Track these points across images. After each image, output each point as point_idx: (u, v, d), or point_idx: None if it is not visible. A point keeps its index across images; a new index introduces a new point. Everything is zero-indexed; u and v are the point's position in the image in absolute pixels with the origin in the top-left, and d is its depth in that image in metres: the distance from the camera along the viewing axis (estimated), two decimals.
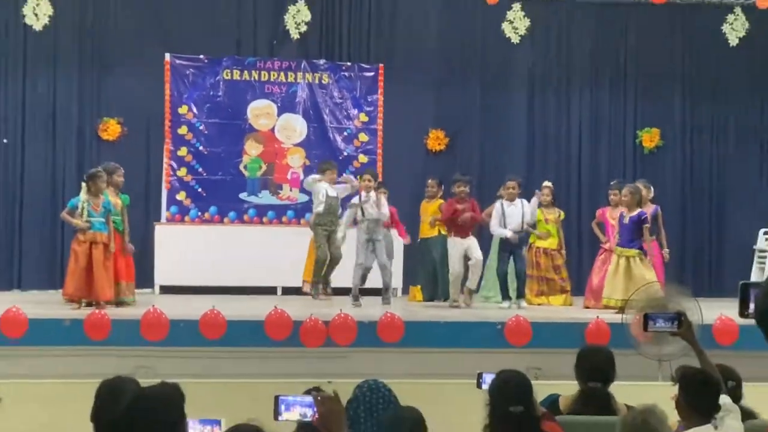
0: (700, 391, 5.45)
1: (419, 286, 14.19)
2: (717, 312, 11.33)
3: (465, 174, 14.06)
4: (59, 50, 15.55)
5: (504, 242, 13.56)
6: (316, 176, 13.70)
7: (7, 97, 15.39)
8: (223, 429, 5.00)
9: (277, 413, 4.53)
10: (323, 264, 13.39)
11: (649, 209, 13.47)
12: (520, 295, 13.57)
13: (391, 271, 13.44)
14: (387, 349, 10.90)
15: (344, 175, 14.30)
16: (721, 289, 16.26)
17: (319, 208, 13.40)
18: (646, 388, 8.07)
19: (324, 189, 13.40)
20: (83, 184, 12.23)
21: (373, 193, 13.24)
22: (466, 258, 13.19)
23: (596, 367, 6.21)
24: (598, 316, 11.39)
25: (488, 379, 6.03)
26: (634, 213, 12.98)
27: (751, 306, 5.38)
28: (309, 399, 4.43)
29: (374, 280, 13.43)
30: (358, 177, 13.72)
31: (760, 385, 7.75)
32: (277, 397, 4.55)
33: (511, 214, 13.47)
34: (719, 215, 16.94)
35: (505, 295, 13.58)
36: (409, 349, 11.01)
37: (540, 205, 14.05)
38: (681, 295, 9.77)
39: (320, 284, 13.48)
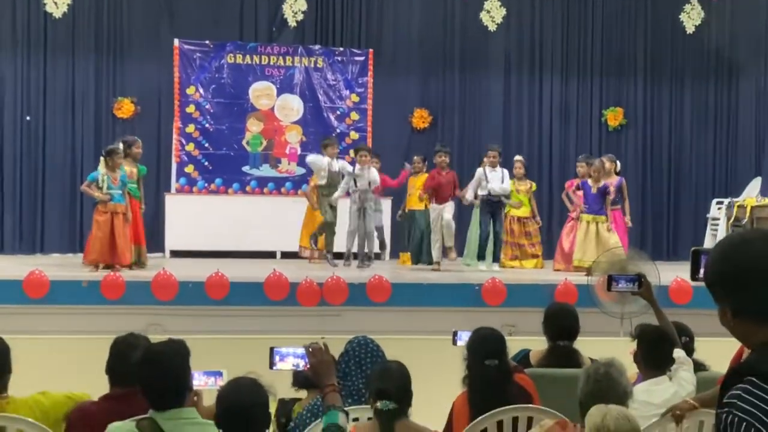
0: (656, 346, 5.46)
1: (409, 252, 14.18)
2: (673, 274, 11.36)
3: (445, 145, 14.04)
4: (77, 36, 15.45)
5: (485, 204, 13.54)
6: (319, 155, 13.62)
7: (30, 79, 15.29)
8: (225, 380, 4.99)
9: (272, 363, 4.54)
10: (331, 229, 13.31)
11: (614, 180, 13.47)
12: (496, 259, 13.57)
13: (376, 240, 13.43)
14: (376, 308, 10.92)
15: None
16: (677, 253, 16.37)
17: (321, 181, 13.34)
18: (608, 343, 8.06)
19: (326, 163, 13.34)
20: (101, 159, 12.17)
21: (368, 167, 13.21)
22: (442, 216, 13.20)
23: (563, 326, 6.22)
24: (566, 278, 11.41)
25: (463, 336, 6.02)
26: (601, 184, 13.04)
27: (701, 270, 5.39)
28: (301, 350, 4.43)
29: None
30: (356, 151, 13.66)
31: (711, 340, 7.76)
32: (272, 349, 4.55)
33: (492, 178, 13.47)
34: (676, 187, 16.96)
35: (481, 256, 13.59)
36: (396, 308, 11.03)
37: (512, 176, 14.05)
38: (641, 258, 9.82)
39: (331, 250, 13.36)
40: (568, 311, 6.42)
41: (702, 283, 2.95)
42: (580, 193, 13.54)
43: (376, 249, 13.61)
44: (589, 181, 13.15)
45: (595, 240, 12.75)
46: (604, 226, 12.90)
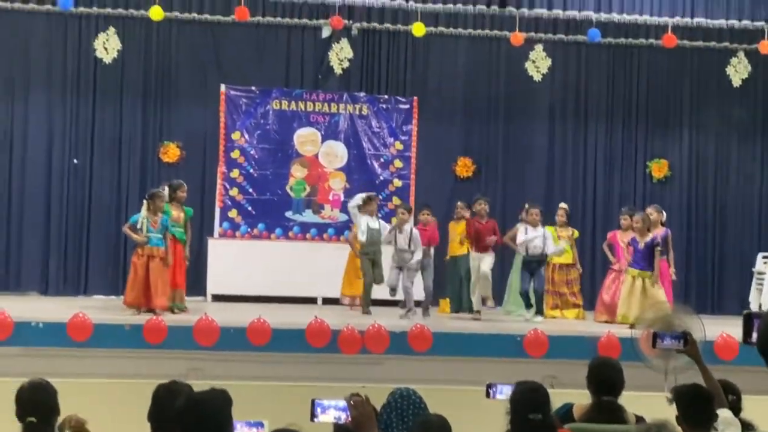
0: (695, 405, 5.37)
1: (447, 299, 14.13)
2: (719, 329, 11.21)
3: (485, 194, 14.04)
4: (126, 81, 15.62)
5: (526, 262, 13.51)
6: (357, 203, 13.63)
7: (78, 122, 15.47)
8: (266, 431, 4.96)
9: (313, 415, 4.50)
10: (370, 287, 13.28)
11: (660, 231, 13.34)
12: (538, 311, 13.49)
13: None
14: (417, 357, 10.86)
15: None
16: (722, 308, 16.20)
17: (362, 238, 13.34)
18: (652, 399, 7.96)
19: (365, 221, 13.34)
20: (144, 202, 12.25)
21: (407, 226, 13.20)
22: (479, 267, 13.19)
23: (608, 381, 6.13)
24: (609, 330, 11.31)
25: (503, 389, 5.92)
26: (648, 238, 12.90)
27: (754, 335, 5.29)
28: (342, 403, 4.40)
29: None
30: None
31: (759, 398, 7.64)
32: (313, 401, 4.52)
33: (533, 238, 13.43)
34: (721, 240, 16.77)
35: (528, 304, 13.52)
36: (437, 358, 10.96)
37: (554, 223, 14.01)
38: (686, 312, 9.67)
39: (368, 305, 13.33)
40: (613, 366, 6.33)
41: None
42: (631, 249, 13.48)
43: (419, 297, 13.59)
44: (637, 236, 13.01)
45: (640, 295, 12.57)
46: (651, 281, 12.73)
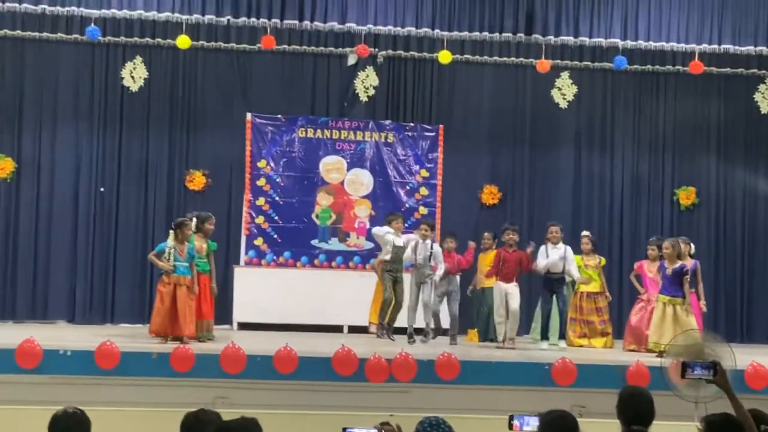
0: None
1: (476, 329, 14.13)
2: (749, 358, 11.16)
3: (514, 223, 14.05)
4: (152, 109, 15.74)
5: (547, 282, 13.50)
6: (385, 228, 13.71)
7: (105, 150, 15.59)
8: None
9: None
10: (389, 305, 13.33)
11: (689, 264, 13.26)
12: (562, 335, 13.45)
13: (433, 313, 13.42)
14: (444, 385, 10.85)
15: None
16: (752, 337, 16.16)
17: (386, 256, 13.40)
18: (683, 429, 7.94)
19: (392, 239, 13.40)
20: (171, 231, 12.30)
21: (428, 242, 13.23)
22: (507, 304, 13.18)
23: (638, 411, 6.09)
24: (638, 359, 11.26)
25: (527, 420, 5.88)
26: (676, 265, 12.83)
27: None
28: (373, 431, 4.41)
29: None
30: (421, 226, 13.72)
31: None
32: (345, 429, 4.53)
33: (552, 255, 13.41)
34: (750, 268, 16.69)
35: (544, 336, 13.49)
36: (465, 386, 10.93)
37: (581, 252, 14.00)
38: (716, 341, 9.64)
39: (385, 327, 13.38)
40: (644, 395, 6.30)
41: None
42: (651, 275, 13.47)
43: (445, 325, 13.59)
44: (666, 262, 12.95)
45: (672, 322, 12.47)
46: (683, 308, 12.65)
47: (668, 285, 12.79)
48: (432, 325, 13.39)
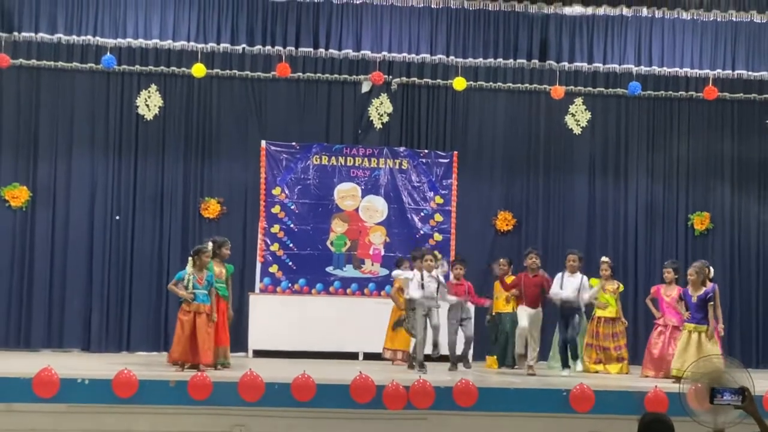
0: None
1: (495, 356, 14.14)
2: (766, 383, 11.13)
3: (536, 247, 14.07)
4: (167, 137, 15.84)
5: (560, 311, 13.49)
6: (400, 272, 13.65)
7: (120, 179, 15.68)
8: None
9: None
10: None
11: (708, 287, 13.20)
12: (574, 357, 13.43)
13: (450, 343, 13.36)
14: (462, 412, 10.83)
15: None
16: None
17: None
18: None
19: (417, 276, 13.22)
20: (190, 259, 12.34)
21: (435, 272, 13.16)
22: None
23: None
24: (656, 386, 11.25)
25: None
26: (701, 292, 12.76)
27: None
28: None
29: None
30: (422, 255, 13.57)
31: None
32: None
33: (568, 284, 13.40)
34: (765, 292, 16.69)
35: (565, 364, 13.47)
36: (483, 413, 10.90)
37: (599, 278, 14.01)
38: (735, 366, 9.62)
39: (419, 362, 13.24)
40: (665, 422, 6.31)
41: None
42: (668, 299, 13.46)
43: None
44: (690, 289, 12.91)
45: (696, 349, 12.42)
46: (707, 335, 12.60)
47: (694, 312, 12.71)
48: (448, 354, 13.35)
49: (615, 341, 14.15)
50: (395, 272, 13.99)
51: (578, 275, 13.48)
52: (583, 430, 10.63)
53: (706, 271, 13.08)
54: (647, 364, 13.71)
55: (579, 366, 13.41)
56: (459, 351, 13.60)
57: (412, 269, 13.41)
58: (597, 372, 13.80)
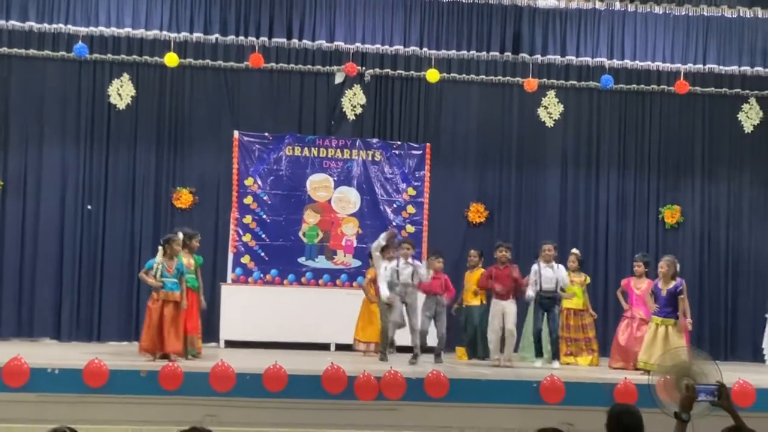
0: None
1: (464, 348, 14.19)
2: (733, 375, 11.24)
3: (507, 241, 14.12)
4: (140, 127, 15.77)
5: (539, 302, 13.53)
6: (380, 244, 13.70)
7: (92, 168, 15.62)
8: None
9: None
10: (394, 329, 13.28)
11: (677, 281, 13.30)
12: (555, 356, 13.50)
13: (421, 332, 13.34)
14: (433, 403, 10.89)
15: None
16: (736, 354, 16.25)
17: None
18: None
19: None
20: (160, 248, 12.34)
21: (410, 260, 13.22)
22: (503, 322, 13.21)
23: (628, 428, 6.17)
24: (626, 378, 11.34)
25: None
26: (671, 286, 12.89)
27: None
28: None
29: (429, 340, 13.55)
30: (399, 244, 13.65)
31: None
32: None
33: (546, 275, 13.46)
34: (734, 286, 16.79)
35: (539, 353, 13.52)
36: (454, 404, 10.98)
37: (567, 269, 14.07)
38: (703, 359, 9.71)
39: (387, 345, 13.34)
40: (633, 413, 6.37)
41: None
42: (638, 292, 13.58)
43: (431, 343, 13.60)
44: (660, 283, 13.02)
45: (662, 342, 12.54)
46: (675, 329, 12.72)
47: (663, 306, 12.86)
48: (419, 346, 13.38)
49: (584, 333, 14.24)
50: (375, 245, 13.96)
51: (554, 264, 13.54)
52: (553, 422, 10.64)
53: (677, 265, 13.20)
54: (615, 354, 13.83)
55: (556, 364, 13.39)
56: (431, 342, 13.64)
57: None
58: (567, 364, 13.86)
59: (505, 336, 13.17)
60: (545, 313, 13.47)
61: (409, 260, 13.21)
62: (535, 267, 13.56)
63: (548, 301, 13.48)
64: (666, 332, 12.71)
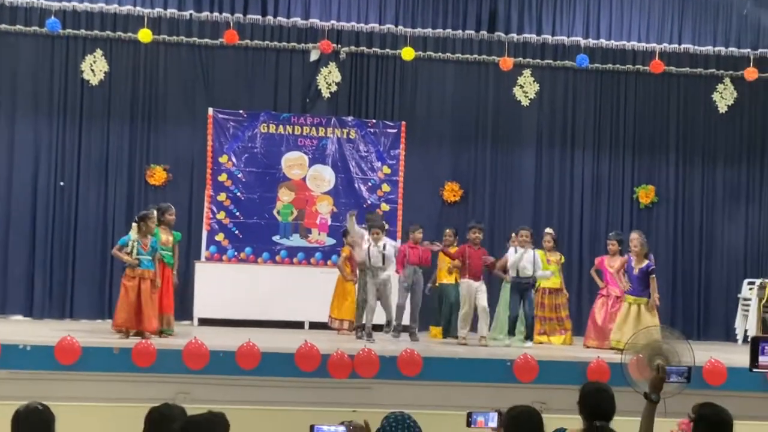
0: (715, 428, 5.48)
1: (440, 327, 14.19)
2: (706, 355, 11.30)
3: (480, 222, 14.12)
4: (113, 103, 15.67)
5: (515, 286, 13.54)
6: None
7: (65, 145, 15.52)
8: None
9: None
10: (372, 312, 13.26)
11: (649, 260, 13.34)
12: (529, 336, 13.51)
13: (394, 308, 13.42)
14: (407, 381, 10.91)
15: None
16: (709, 333, 16.34)
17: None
18: None
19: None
20: (134, 224, 12.27)
21: (381, 244, 13.20)
22: (476, 302, 13.24)
23: (600, 406, 6.18)
24: (599, 356, 11.38)
25: (491, 417, 5.90)
26: (643, 264, 12.94)
27: (761, 359, 5.33)
28: (342, 428, 4.42)
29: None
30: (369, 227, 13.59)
31: (746, 423, 7.72)
32: (312, 427, 4.53)
33: (524, 259, 13.46)
34: (707, 266, 16.88)
35: (511, 332, 13.54)
36: (427, 382, 11.00)
37: (542, 248, 14.09)
38: (675, 338, 9.74)
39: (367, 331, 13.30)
40: (605, 391, 6.39)
41: (739, 363, 2.96)
42: (612, 270, 13.61)
43: (405, 321, 13.61)
44: (633, 261, 13.06)
45: (635, 322, 12.57)
46: (647, 307, 12.78)
47: (635, 284, 12.92)
48: (395, 321, 13.41)
49: (558, 312, 14.27)
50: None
51: (530, 250, 13.55)
52: (526, 400, 10.69)
53: (646, 242, 13.27)
54: (590, 333, 13.86)
55: (529, 343, 13.42)
56: (406, 320, 13.66)
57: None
58: (541, 343, 13.90)
59: (479, 314, 13.19)
60: (521, 298, 13.47)
61: (380, 243, 13.18)
62: (511, 251, 13.58)
63: (525, 285, 13.50)
64: (638, 311, 12.78)
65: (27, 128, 15.47)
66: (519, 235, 13.68)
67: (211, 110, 15.61)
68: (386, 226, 14.05)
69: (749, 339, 5.62)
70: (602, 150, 16.83)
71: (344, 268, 13.95)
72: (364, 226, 13.71)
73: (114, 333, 12.06)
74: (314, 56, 15.99)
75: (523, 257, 13.45)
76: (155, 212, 12.49)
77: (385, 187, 15.88)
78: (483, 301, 13.22)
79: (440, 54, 16.22)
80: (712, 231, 16.95)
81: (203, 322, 14.82)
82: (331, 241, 15.53)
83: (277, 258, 15.58)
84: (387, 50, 16.06)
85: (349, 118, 15.97)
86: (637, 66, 16.45)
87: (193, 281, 15.03)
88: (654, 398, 6.20)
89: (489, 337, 13.64)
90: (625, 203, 16.82)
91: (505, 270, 13.69)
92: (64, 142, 15.52)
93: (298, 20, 14.78)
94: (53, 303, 15.30)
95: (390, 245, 13.45)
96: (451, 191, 16.34)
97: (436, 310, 14.25)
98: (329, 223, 15.64)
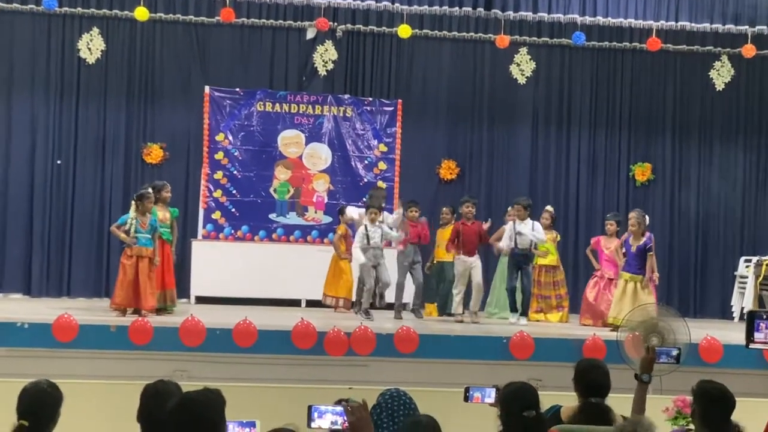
0: (717, 407, 5.46)
1: (435, 303, 14.18)
2: (702, 332, 11.30)
3: (473, 196, 14.09)
4: (109, 82, 15.62)
5: (513, 259, 13.52)
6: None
7: (62, 123, 15.47)
8: (259, 430, 4.96)
9: (310, 420, 4.49)
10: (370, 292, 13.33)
11: (646, 237, 13.33)
12: (524, 312, 13.51)
13: (397, 285, 13.46)
14: (403, 359, 10.91)
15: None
16: (705, 311, 16.35)
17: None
18: None
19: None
20: (132, 203, 12.25)
21: (377, 224, 13.23)
22: (470, 277, 13.25)
23: (596, 383, 6.16)
24: (594, 333, 11.39)
25: (488, 392, 5.90)
26: (640, 242, 12.92)
27: (757, 336, 5.29)
28: (339, 408, 4.39)
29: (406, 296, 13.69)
30: (367, 208, 13.61)
31: (742, 400, 7.70)
32: (310, 407, 4.50)
33: (522, 232, 13.43)
34: (704, 244, 16.88)
35: (513, 308, 13.53)
36: (423, 360, 11.01)
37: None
38: (671, 315, 9.74)
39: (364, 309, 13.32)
40: (600, 367, 6.37)
41: (735, 340, 2.94)
42: (607, 252, 13.62)
43: (407, 300, 13.64)
44: (630, 239, 13.04)
45: (631, 299, 12.58)
46: (643, 285, 12.77)
47: (632, 261, 12.91)
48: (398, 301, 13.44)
49: (555, 290, 14.27)
50: (348, 209, 14.01)
51: (528, 221, 13.50)
52: (522, 377, 10.70)
53: (646, 220, 13.25)
54: (585, 312, 13.88)
55: (524, 320, 13.41)
56: (407, 299, 13.67)
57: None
58: (538, 321, 13.90)
59: (473, 288, 13.19)
60: (519, 271, 13.45)
61: (377, 223, 13.18)
62: (510, 224, 13.55)
63: (523, 258, 13.48)
64: (635, 288, 12.78)
65: (24, 107, 15.41)
66: (515, 209, 13.62)
67: (207, 88, 15.55)
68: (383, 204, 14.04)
69: (745, 315, 5.57)
70: (599, 128, 16.80)
71: (339, 245, 13.95)
72: (361, 204, 13.72)
73: (111, 311, 12.05)
74: (311, 34, 15.93)
75: (522, 229, 13.37)
76: (151, 191, 12.47)
77: (382, 165, 15.84)
78: (478, 276, 13.22)
79: (437, 32, 16.18)
80: (708, 209, 16.93)
81: (200, 299, 14.82)
82: (328, 219, 15.50)
83: (274, 236, 15.56)
84: (383, 28, 16.00)
85: (346, 96, 15.92)
86: (633, 44, 16.41)
87: (190, 259, 15.02)
88: (645, 379, 6.19)
89: (486, 312, 13.67)
90: (621, 181, 16.80)
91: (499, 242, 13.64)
92: (60, 120, 15.47)
93: None
94: (51, 281, 15.28)
95: (390, 217, 13.51)
96: (448, 169, 16.31)
97: (433, 287, 14.24)
98: (326, 201, 15.60)
